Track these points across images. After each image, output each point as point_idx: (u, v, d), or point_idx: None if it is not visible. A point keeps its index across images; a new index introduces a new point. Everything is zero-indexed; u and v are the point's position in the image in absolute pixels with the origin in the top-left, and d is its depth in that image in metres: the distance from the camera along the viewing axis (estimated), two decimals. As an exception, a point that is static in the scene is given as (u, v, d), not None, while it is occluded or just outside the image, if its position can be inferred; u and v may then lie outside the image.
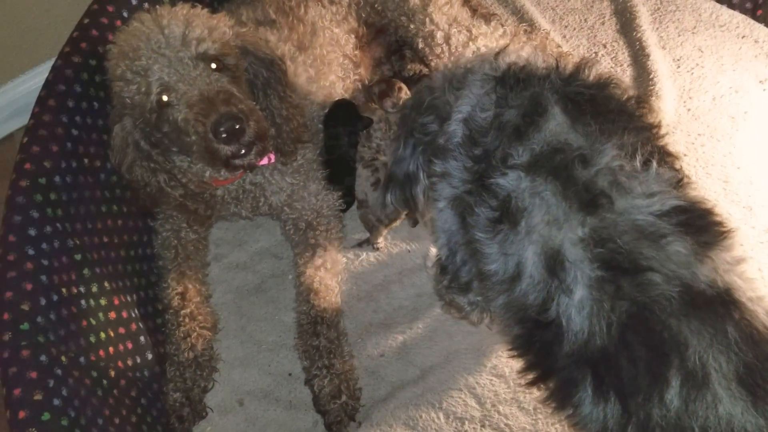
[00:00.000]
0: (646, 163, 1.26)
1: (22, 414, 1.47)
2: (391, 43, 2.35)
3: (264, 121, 1.70)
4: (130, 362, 1.85)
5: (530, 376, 1.38)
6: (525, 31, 2.41)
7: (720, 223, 1.20)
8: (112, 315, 1.84)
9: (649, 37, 2.48)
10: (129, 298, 1.93)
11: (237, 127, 1.58)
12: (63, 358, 1.60)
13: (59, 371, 1.57)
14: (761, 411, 1.04)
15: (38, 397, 1.50)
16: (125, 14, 1.98)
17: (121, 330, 1.86)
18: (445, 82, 1.61)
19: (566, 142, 1.32)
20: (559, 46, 2.44)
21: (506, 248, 1.32)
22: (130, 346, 1.87)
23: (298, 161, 1.99)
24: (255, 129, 1.64)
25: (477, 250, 1.43)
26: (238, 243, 2.24)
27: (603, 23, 2.59)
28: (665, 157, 1.34)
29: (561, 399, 1.28)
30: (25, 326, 1.56)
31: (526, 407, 1.95)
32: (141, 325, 1.93)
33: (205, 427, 1.95)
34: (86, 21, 1.92)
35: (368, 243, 2.17)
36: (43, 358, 1.55)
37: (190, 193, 1.87)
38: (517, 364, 1.95)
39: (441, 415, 1.95)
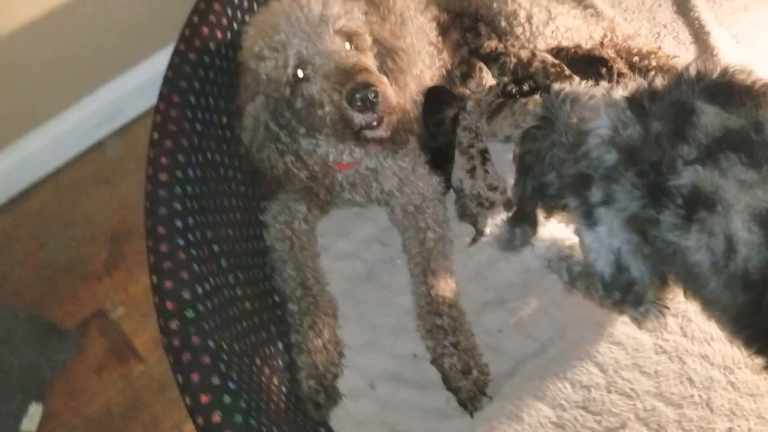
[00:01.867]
0: None
1: (204, 399, 1.49)
2: (465, 21, 2.43)
3: (394, 95, 1.77)
4: (267, 351, 1.88)
5: (756, 346, 1.44)
6: (592, 14, 2.53)
7: None
8: (248, 305, 1.88)
9: (707, 15, 2.62)
10: (256, 289, 1.97)
11: (372, 96, 1.64)
12: (224, 344, 1.63)
13: (225, 357, 1.60)
14: None
15: (216, 381, 1.52)
16: (230, 12, 2.03)
17: (256, 320, 1.90)
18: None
19: (728, 126, 1.41)
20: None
21: (709, 232, 1.38)
22: (264, 335, 1.91)
23: (407, 147, 2.06)
24: (389, 102, 1.71)
25: (673, 253, 1.49)
26: (344, 233, 2.28)
27: (660, 5, 2.72)
28: None
29: None
30: (190, 313, 1.60)
31: (647, 371, 2.03)
32: (268, 315, 1.96)
33: (339, 413, 1.98)
34: (195, 19, 1.96)
35: (479, 233, 2.22)
36: (210, 343, 1.58)
37: (315, 175, 1.93)
38: (633, 330, 2.07)
39: (567, 385, 2.02)
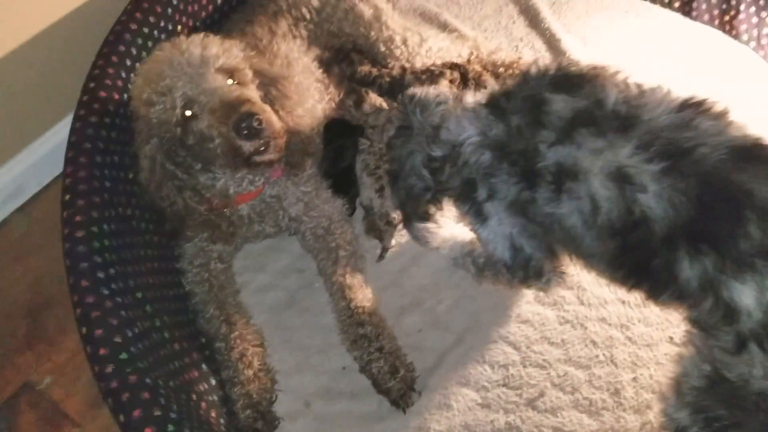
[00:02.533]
0: (637, 87, 1.65)
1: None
2: (339, 52, 2.66)
3: (277, 121, 1.94)
4: (202, 387, 1.97)
5: (631, 282, 1.68)
6: (457, 36, 2.83)
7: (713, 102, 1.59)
8: (177, 346, 1.97)
9: (555, 25, 2.97)
10: (183, 332, 2.07)
11: (256, 124, 1.81)
12: (160, 382, 1.73)
13: (163, 392, 1.70)
14: None
15: (158, 412, 1.62)
16: (123, 74, 2.17)
17: (187, 359, 1.98)
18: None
19: (576, 107, 1.67)
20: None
21: (577, 197, 1.62)
22: (197, 374, 1.99)
23: (307, 171, 2.24)
24: (271, 127, 1.88)
25: (552, 223, 1.74)
26: (260, 267, 2.41)
27: (514, 22, 3.07)
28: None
29: (664, 281, 1.56)
30: (124, 355, 1.69)
31: (555, 341, 2.26)
32: (198, 354, 2.06)
33: (279, 436, 2.09)
34: (92, 85, 2.09)
35: (384, 250, 2.41)
36: (147, 380, 1.68)
37: (214, 208, 2.07)
38: (537, 307, 2.30)
39: (487, 367, 2.22)
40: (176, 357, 1.92)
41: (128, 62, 2.19)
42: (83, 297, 1.75)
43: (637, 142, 1.54)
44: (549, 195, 1.69)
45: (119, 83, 2.15)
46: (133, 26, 2.23)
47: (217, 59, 1.88)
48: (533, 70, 1.78)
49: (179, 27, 2.39)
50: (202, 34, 1.96)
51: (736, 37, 2.93)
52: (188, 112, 1.86)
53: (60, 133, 2.57)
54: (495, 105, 1.81)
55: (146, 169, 1.94)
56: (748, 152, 1.48)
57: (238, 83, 1.92)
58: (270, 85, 2.05)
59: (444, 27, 2.97)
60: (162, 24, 2.32)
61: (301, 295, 2.36)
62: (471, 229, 2.13)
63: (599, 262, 1.75)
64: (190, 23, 2.45)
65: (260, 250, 2.45)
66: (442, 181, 1.98)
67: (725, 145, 1.48)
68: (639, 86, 1.66)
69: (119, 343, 1.70)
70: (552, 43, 2.92)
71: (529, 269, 1.98)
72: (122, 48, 2.18)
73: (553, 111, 1.68)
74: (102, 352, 1.68)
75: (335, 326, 2.24)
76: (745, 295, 1.43)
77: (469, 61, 2.73)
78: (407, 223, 2.20)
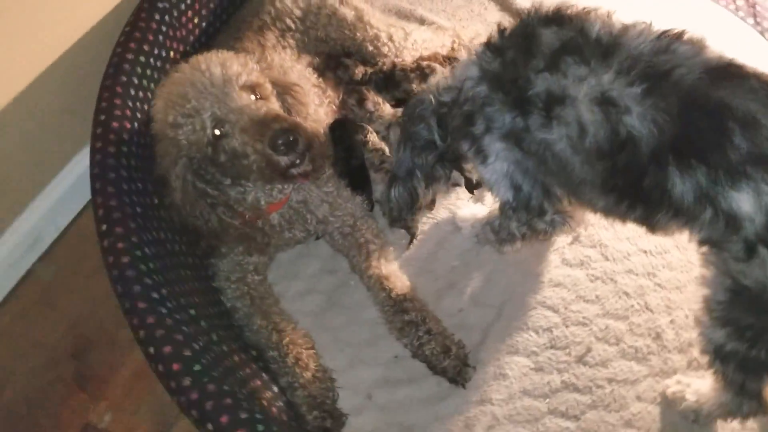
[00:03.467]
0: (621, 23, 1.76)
1: (240, 433, 1.59)
2: (332, 62, 2.73)
3: (309, 131, 1.99)
4: (268, 394, 1.98)
5: (625, 205, 1.76)
6: (437, 28, 2.94)
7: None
8: (236, 358, 1.98)
9: (525, 4, 3.10)
10: (239, 344, 2.08)
11: (291, 138, 1.85)
12: (235, 389, 1.74)
13: (240, 397, 1.71)
14: None
15: (245, 415, 1.63)
16: (130, 103, 2.19)
17: (248, 370, 2.00)
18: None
19: (563, 37, 1.75)
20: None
21: (565, 123, 1.71)
22: (259, 383, 2.00)
23: (327, 173, 2.29)
24: (306, 138, 1.92)
25: (544, 151, 1.82)
26: (293, 275, 2.44)
27: (486, 8, 3.19)
28: None
29: (657, 199, 1.65)
30: (198, 366, 1.70)
31: (590, 299, 2.36)
32: (256, 365, 2.07)
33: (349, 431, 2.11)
34: (102, 117, 2.10)
35: (412, 237, 2.47)
36: (225, 387, 1.69)
37: (248, 221, 2.10)
38: (567, 270, 2.39)
39: (532, 333, 2.29)
40: (239, 368, 1.94)
41: (132, 91, 2.21)
42: (144, 318, 1.75)
43: (618, 68, 1.63)
44: (540, 121, 1.77)
45: (128, 112, 2.16)
46: (130, 56, 2.25)
47: (239, 77, 1.90)
48: (530, 10, 1.88)
49: (171, 53, 2.43)
50: (218, 52, 1.98)
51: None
52: (218, 132, 1.88)
53: (69, 176, 2.55)
54: (493, 44, 1.90)
55: (179, 189, 1.95)
56: (724, 71, 1.58)
57: (260, 98, 1.95)
58: (285, 94, 2.09)
59: (421, 22, 3.07)
60: (156, 51, 2.35)
61: (339, 294, 2.40)
62: (478, 176, 2.25)
63: (592, 189, 1.82)
64: (181, 48, 2.49)
65: (290, 258, 2.47)
66: (449, 129, 2.07)
67: (701, 65, 1.58)
68: (622, 22, 1.77)
69: (190, 356, 1.71)
70: (526, 23, 3.05)
71: (531, 208, 2.06)
72: (124, 78, 2.20)
73: (543, 42, 1.77)
74: (176, 367, 1.68)
75: (379, 318, 2.29)
76: (743, 202, 1.52)
77: (453, 49, 2.84)
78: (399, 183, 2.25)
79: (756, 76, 1.56)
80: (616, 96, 1.63)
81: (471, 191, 2.53)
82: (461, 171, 2.36)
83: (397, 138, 2.28)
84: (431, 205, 2.51)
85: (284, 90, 2.10)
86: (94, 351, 2.38)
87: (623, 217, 1.88)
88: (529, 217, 2.11)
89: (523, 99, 1.80)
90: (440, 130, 2.11)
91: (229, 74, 1.91)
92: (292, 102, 2.11)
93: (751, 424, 2.07)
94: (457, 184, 2.57)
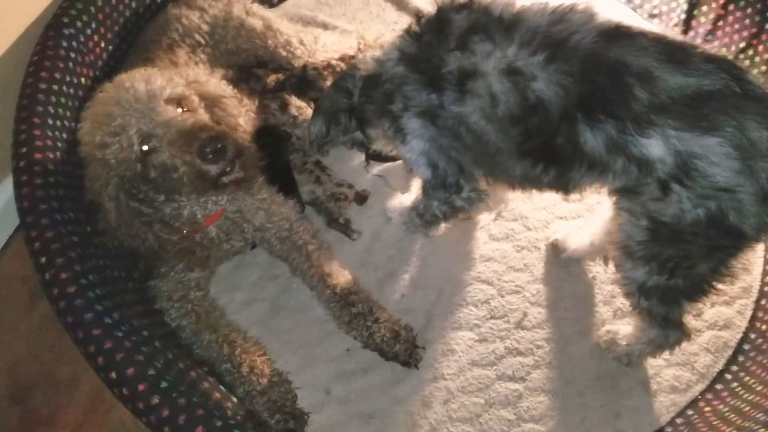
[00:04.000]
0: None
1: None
2: (243, 72, 2.78)
3: (238, 139, 2.04)
4: (230, 405, 2.02)
5: (541, 165, 1.91)
6: (342, 32, 3.05)
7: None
8: (193, 374, 2.01)
9: (420, 3, 3.27)
10: (191, 360, 2.10)
11: (219, 146, 1.88)
12: (207, 403, 1.78)
13: (212, 409, 1.75)
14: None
15: (219, 423, 1.68)
16: (49, 133, 2.15)
17: (206, 384, 2.02)
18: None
19: (470, 19, 1.90)
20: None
21: (477, 95, 1.86)
22: (219, 395, 2.03)
23: (258, 181, 2.33)
24: (234, 145, 1.96)
25: (459, 126, 1.96)
26: (234, 287, 2.47)
27: (384, 9, 3.32)
28: None
29: (570, 156, 1.81)
30: (165, 384, 1.72)
31: (519, 267, 2.54)
32: (212, 378, 2.10)
33: (312, 429, 2.18)
34: (24, 150, 2.06)
35: (348, 229, 2.56)
36: (195, 399, 1.72)
37: (186, 237, 2.12)
38: (495, 244, 2.56)
39: (471, 308, 2.45)
40: (199, 382, 1.96)
41: (50, 120, 2.18)
42: (101, 344, 1.75)
43: (520, 40, 1.80)
44: (455, 96, 1.92)
45: (49, 142, 2.13)
46: (43, 86, 2.22)
47: (163, 90, 1.91)
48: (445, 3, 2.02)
49: (83, 79, 2.40)
50: (142, 69, 2.00)
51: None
52: (146, 147, 1.88)
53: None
54: (411, 29, 2.04)
55: (113, 210, 1.94)
56: (615, 32, 1.77)
57: (187, 110, 1.97)
58: (213, 105, 2.11)
59: (324, 27, 3.16)
60: (68, 78, 2.31)
61: (283, 299, 2.45)
62: (399, 155, 2.38)
63: (509, 156, 1.97)
64: (91, 73, 2.46)
65: (229, 270, 2.50)
66: (369, 97, 2.19)
67: (595, 30, 1.76)
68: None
69: (154, 374, 1.73)
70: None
71: (448, 185, 2.20)
72: (40, 108, 2.17)
73: (454, 25, 1.93)
74: (141, 387, 1.70)
75: (325, 316, 2.37)
76: (653, 146, 1.69)
77: (359, 49, 2.95)
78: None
79: (644, 35, 1.75)
80: (521, 65, 1.78)
81: (367, 159, 2.71)
82: (363, 133, 2.40)
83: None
84: (362, 200, 2.62)
85: (213, 102, 2.12)
86: (36, 392, 2.32)
87: (539, 183, 2.02)
88: (447, 195, 2.24)
89: (437, 77, 1.93)
90: (360, 94, 2.23)
91: (154, 89, 1.91)
92: (221, 114, 2.13)
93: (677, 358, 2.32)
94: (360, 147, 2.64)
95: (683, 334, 2.09)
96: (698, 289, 1.95)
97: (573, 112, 1.75)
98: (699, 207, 1.70)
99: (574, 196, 2.39)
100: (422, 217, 2.46)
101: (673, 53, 1.70)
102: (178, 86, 1.99)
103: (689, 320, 2.18)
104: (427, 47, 1.97)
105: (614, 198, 1.95)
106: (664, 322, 2.04)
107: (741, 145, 1.63)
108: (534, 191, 2.22)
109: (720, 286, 1.97)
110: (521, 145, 1.90)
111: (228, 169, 1.95)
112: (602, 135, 1.74)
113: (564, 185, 1.97)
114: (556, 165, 1.90)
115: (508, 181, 2.14)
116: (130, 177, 1.94)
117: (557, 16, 1.81)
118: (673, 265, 1.88)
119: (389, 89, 2.08)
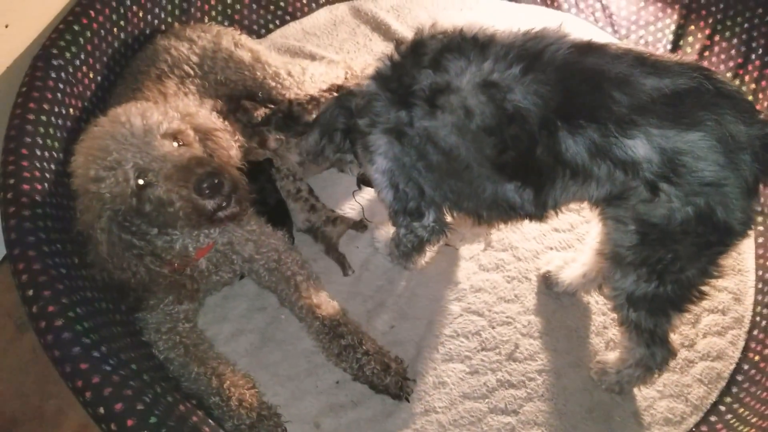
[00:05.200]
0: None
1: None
2: (231, 104, 2.82)
3: (234, 173, 2.07)
4: (219, 439, 2.02)
5: (516, 182, 1.95)
6: (329, 62, 3.11)
7: None
8: (182, 407, 2.00)
9: (406, 33, 3.35)
10: (180, 394, 2.09)
11: (216, 181, 1.91)
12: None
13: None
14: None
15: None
16: (37, 164, 2.18)
17: (195, 418, 2.01)
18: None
19: (445, 40, 1.95)
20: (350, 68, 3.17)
21: (450, 110, 1.89)
22: (207, 430, 2.03)
23: (248, 213, 2.36)
24: (231, 181, 1.99)
25: (426, 143, 1.99)
26: (222, 318, 2.49)
27: (370, 39, 3.40)
28: None
29: (551, 166, 1.84)
30: (153, 419, 1.74)
31: (510, 298, 2.58)
32: (201, 412, 2.10)
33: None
34: (11, 181, 2.08)
35: (344, 264, 2.61)
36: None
37: (177, 270, 2.14)
38: (486, 274, 2.59)
39: (462, 339, 2.47)
40: (188, 416, 1.95)
41: (38, 152, 2.20)
42: (88, 379, 1.75)
43: (495, 56, 1.85)
44: (425, 111, 1.96)
45: (36, 173, 2.15)
46: (31, 116, 2.24)
47: (160, 125, 1.94)
48: (423, 27, 2.07)
49: (71, 109, 2.43)
50: (137, 103, 2.03)
51: (558, 8, 3.49)
52: (141, 181, 1.91)
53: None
54: (390, 54, 2.08)
55: (105, 242, 1.96)
56: (588, 46, 1.83)
57: (183, 144, 2.00)
58: (206, 138, 2.14)
59: (312, 57, 3.22)
60: (56, 109, 2.34)
61: (271, 330, 2.47)
62: (368, 176, 2.36)
63: (480, 174, 1.99)
64: (79, 104, 2.49)
65: (217, 301, 2.52)
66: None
67: (569, 42, 1.83)
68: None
69: (143, 409, 1.74)
70: (410, 48, 3.29)
71: (409, 210, 2.23)
72: (28, 140, 2.19)
73: (429, 47, 1.98)
74: (130, 423, 1.70)
75: (314, 347, 2.39)
76: (637, 147, 1.73)
77: (346, 79, 3.01)
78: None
79: (614, 46, 1.82)
80: (497, 78, 1.83)
81: (358, 183, 2.76)
82: (356, 155, 2.41)
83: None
84: (362, 228, 2.69)
85: (205, 135, 2.15)
86: (20, 428, 2.31)
87: (510, 207, 2.05)
88: (408, 222, 2.27)
89: (407, 94, 1.98)
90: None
91: (150, 123, 1.94)
92: (214, 147, 2.16)
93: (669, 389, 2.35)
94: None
95: (669, 352, 2.13)
96: (686, 297, 1.99)
97: (553, 120, 1.79)
98: (688, 205, 1.75)
99: (551, 221, 2.43)
100: (398, 248, 2.50)
101: (644, 59, 1.78)
102: (174, 121, 2.02)
103: (682, 353, 2.23)
104: (399, 67, 2.03)
105: (598, 209, 1.99)
106: (651, 338, 2.08)
107: (723, 139, 1.68)
108: (500, 222, 2.25)
109: (707, 290, 2.00)
110: (498, 157, 1.92)
111: (224, 204, 1.97)
112: (584, 141, 1.78)
113: (541, 205, 1.99)
114: (533, 180, 1.93)
115: (475, 208, 2.16)
116: (124, 211, 1.96)
117: (531, 35, 1.87)
118: (663, 268, 1.91)
119: (359, 105, 2.13)
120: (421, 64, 1.96)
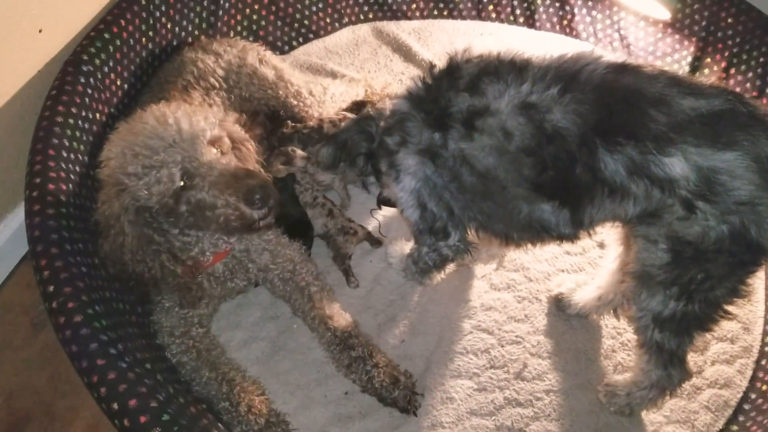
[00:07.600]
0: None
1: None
2: (254, 115, 2.88)
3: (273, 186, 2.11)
4: (226, 444, 2.04)
5: (555, 202, 1.97)
6: (350, 80, 3.17)
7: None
8: (193, 409, 2.03)
9: (427, 55, 3.42)
10: (191, 396, 2.13)
11: (265, 192, 1.98)
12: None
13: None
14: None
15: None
16: (63, 165, 2.24)
17: (205, 420, 2.04)
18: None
19: (481, 65, 2.00)
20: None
21: (489, 133, 1.93)
22: (216, 432, 2.06)
23: (266, 221, 2.41)
24: (275, 194, 2.05)
25: (460, 165, 2.03)
26: (235, 325, 2.52)
27: (391, 60, 3.47)
28: None
29: (590, 184, 1.86)
30: (166, 417, 1.76)
31: (520, 318, 2.59)
32: (211, 415, 2.12)
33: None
34: (38, 180, 2.14)
35: (348, 275, 2.64)
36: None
37: (189, 270, 2.17)
38: (496, 293, 2.62)
39: (471, 356, 2.49)
40: (198, 418, 1.98)
41: (64, 153, 2.27)
42: (104, 375, 1.79)
43: (532, 78, 1.90)
44: (461, 133, 1.99)
45: (62, 174, 2.21)
46: (59, 119, 2.31)
47: (206, 132, 2.00)
48: (457, 52, 2.12)
49: (97, 114, 2.50)
50: (179, 104, 2.08)
51: (577, 36, 3.55)
52: (181, 183, 1.96)
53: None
54: (422, 77, 2.14)
55: (130, 234, 1.99)
56: (624, 67, 1.87)
57: (221, 151, 2.06)
58: (237, 148, 2.20)
59: (333, 75, 3.29)
60: (83, 113, 2.42)
61: (283, 339, 2.50)
62: (393, 196, 2.41)
63: (516, 195, 2.01)
64: (106, 110, 2.57)
65: (230, 308, 2.56)
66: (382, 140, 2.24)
67: (605, 63, 1.87)
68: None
69: (156, 407, 1.76)
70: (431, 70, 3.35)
71: (436, 230, 2.26)
72: (56, 141, 2.25)
73: (465, 71, 2.03)
74: (143, 419, 1.73)
75: (325, 358, 2.41)
76: (675, 164, 1.76)
77: (367, 95, 3.08)
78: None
79: (650, 67, 1.86)
80: (535, 100, 1.87)
81: (378, 203, 2.79)
82: (377, 177, 2.45)
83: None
84: (376, 244, 2.72)
85: (237, 144, 2.20)
86: (32, 424, 2.34)
87: (543, 228, 2.07)
88: (433, 241, 2.30)
89: (443, 116, 2.02)
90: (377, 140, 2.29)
91: (197, 129, 1.99)
92: (244, 156, 2.22)
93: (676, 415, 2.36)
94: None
95: (686, 373, 2.13)
96: (712, 317, 1.99)
97: (591, 138, 1.82)
98: (723, 223, 1.77)
99: (576, 247, 2.45)
100: (417, 265, 2.52)
101: (679, 81, 1.82)
102: (216, 127, 2.06)
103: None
104: (435, 90, 2.07)
105: (627, 228, 2.01)
106: (670, 359, 2.08)
107: (758, 159, 1.71)
108: (529, 244, 2.25)
109: (732, 310, 2.01)
110: (537, 177, 1.94)
111: (266, 214, 2.03)
112: (623, 158, 1.80)
113: (578, 223, 2.00)
114: (572, 199, 1.94)
115: (506, 229, 2.18)
116: (156, 208, 1.99)
117: (567, 57, 1.92)
118: (695, 287, 1.91)
119: (389, 123, 2.17)
120: (458, 87, 2.00)
